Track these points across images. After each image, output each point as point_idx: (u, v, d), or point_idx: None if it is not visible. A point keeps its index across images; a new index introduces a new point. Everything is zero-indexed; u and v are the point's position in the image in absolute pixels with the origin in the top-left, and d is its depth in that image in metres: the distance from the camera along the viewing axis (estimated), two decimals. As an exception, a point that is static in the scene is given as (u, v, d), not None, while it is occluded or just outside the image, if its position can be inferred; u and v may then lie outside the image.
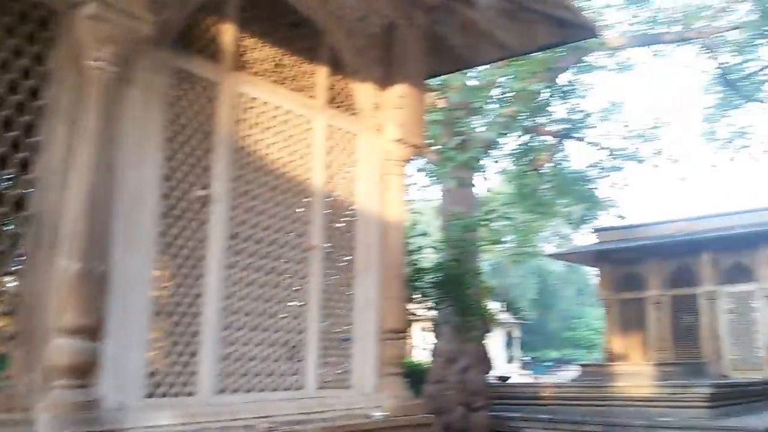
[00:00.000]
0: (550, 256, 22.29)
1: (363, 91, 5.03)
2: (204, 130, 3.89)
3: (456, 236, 8.84)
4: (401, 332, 5.07)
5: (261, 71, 4.36)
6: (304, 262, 4.42)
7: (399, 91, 5.12)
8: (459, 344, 10.34)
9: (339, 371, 4.65)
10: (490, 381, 12.68)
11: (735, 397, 11.49)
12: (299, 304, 4.38)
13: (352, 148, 4.97)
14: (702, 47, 15.66)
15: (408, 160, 5.37)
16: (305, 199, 4.51)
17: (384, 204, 5.07)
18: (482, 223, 10.28)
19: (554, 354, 48.04)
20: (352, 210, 4.91)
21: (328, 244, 4.62)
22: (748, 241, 14.64)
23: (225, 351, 3.82)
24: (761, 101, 16.73)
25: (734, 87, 15.94)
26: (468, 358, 10.73)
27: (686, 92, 16.33)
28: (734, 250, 14.89)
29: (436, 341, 11.20)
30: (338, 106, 4.90)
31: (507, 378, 14.39)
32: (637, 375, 11.70)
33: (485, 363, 11.36)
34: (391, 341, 4.92)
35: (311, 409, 4.17)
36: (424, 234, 9.63)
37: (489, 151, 11.61)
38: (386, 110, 5.10)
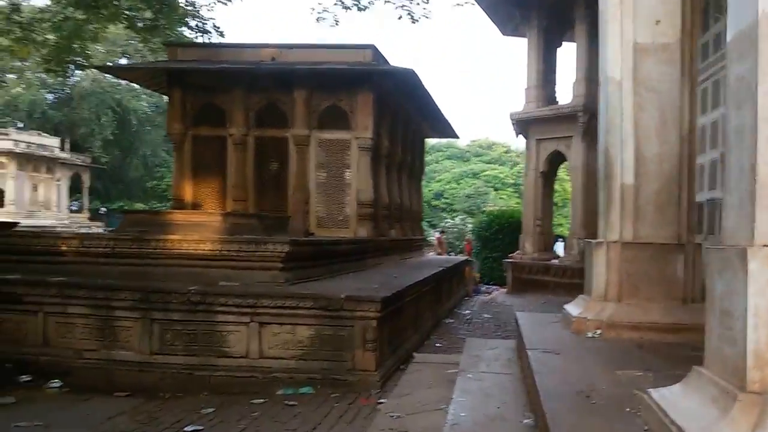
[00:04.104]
0: (103, 69, 17.88)
1: None
2: None
3: None
4: None
5: None
6: None
7: None
8: None
9: None
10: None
11: (316, 257, 9.43)
12: None
13: None
14: None
15: None
16: None
17: None
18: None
19: (138, 206, 44.29)
20: None
21: None
22: (348, 81, 12.61)
23: None
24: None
25: None
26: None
27: None
28: (331, 90, 12.77)
29: None
30: None
31: (14, 224, 10.46)
32: (201, 227, 8.92)
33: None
34: None
35: None
36: None
37: None
38: None
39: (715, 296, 3.18)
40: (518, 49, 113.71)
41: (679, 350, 5.23)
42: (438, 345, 10.45)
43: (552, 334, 6.27)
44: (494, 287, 22.06)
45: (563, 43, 20.26)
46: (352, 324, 7.25)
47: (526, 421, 4.63)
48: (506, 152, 57.42)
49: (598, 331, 6.03)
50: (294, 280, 8.23)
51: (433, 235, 30.22)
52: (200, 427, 5.93)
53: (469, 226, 32.38)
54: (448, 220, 38.11)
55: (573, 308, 6.73)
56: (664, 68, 6.26)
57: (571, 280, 17.59)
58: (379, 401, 6.65)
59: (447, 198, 48.51)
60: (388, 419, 5.62)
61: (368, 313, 7.22)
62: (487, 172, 50.94)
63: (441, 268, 13.40)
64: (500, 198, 46.82)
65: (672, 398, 3.36)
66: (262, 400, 6.80)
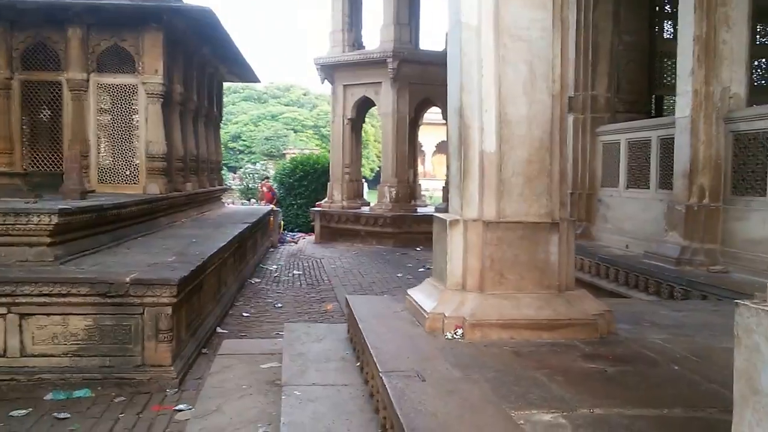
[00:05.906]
0: None
1: None
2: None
3: None
4: None
5: None
6: None
7: None
8: None
9: None
10: None
11: (95, 224, 8.01)
12: None
13: None
14: None
15: None
16: None
17: None
18: None
19: None
20: None
21: None
22: (133, 19, 10.98)
23: None
24: None
25: None
26: None
27: None
28: (113, 29, 11.10)
29: None
30: None
31: None
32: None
33: None
34: None
35: None
36: None
37: None
38: None
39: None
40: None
41: (568, 359, 4.17)
42: (245, 315, 9.51)
43: (403, 336, 4.87)
44: (300, 235, 21.40)
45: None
46: (140, 311, 6.13)
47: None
48: (305, 94, 56.17)
49: (459, 331, 4.83)
50: (66, 257, 6.91)
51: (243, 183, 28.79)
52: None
53: (271, 171, 31.12)
54: (249, 165, 36.57)
55: (423, 298, 5.37)
56: (535, 13, 5.09)
57: (383, 229, 17.34)
58: (176, 407, 5.60)
59: (245, 140, 46.72)
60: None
61: (161, 299, 6.13)
62: (286, 115, 49.60)
63: (246, 224, 12.39)
64: (300, 140, 45.94)
65: None
66: (25, 412, 5.49)
